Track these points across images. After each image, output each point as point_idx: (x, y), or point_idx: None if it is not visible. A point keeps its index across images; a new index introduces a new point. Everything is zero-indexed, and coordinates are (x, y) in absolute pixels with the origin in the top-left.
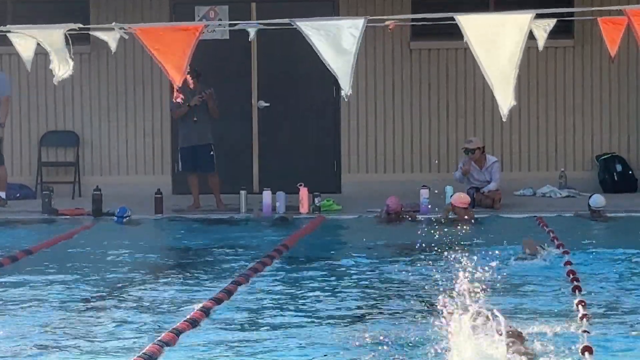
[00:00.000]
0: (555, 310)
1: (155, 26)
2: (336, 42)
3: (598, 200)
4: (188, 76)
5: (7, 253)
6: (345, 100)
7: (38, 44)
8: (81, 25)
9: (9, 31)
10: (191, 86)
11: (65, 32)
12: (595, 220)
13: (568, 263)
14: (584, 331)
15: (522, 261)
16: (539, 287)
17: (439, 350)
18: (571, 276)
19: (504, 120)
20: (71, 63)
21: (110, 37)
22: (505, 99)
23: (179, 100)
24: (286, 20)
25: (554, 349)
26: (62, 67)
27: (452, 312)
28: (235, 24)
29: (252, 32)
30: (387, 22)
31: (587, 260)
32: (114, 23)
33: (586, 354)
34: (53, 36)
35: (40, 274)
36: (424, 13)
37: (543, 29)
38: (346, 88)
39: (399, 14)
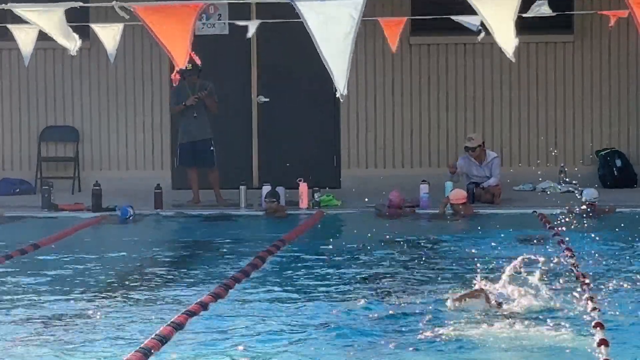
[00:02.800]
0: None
1: (155, 5)
2: (334, 27)
3: (590, 192)
4: (193, 53)
5: (10, 248)
6: (341, 100)
7: (38, 37)
8: (82, 4)
9: (10, 10)
10: (198, 61)
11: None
12: (591, 216)
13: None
14: (598, 324)
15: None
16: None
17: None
18: (576, 270)
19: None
20: (76, 36)
21: (110, 42)
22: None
23: (176, 77)
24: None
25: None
26: (70, 42)
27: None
28: (237, 3)
29: (252, 28)
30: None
31: (590, 253)
32: (114, 2)
33: (602, 347)
34: (53, 20)
35: (41, 268)
36: (423, 8)
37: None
38: (341, 88)
39: (399, 9)
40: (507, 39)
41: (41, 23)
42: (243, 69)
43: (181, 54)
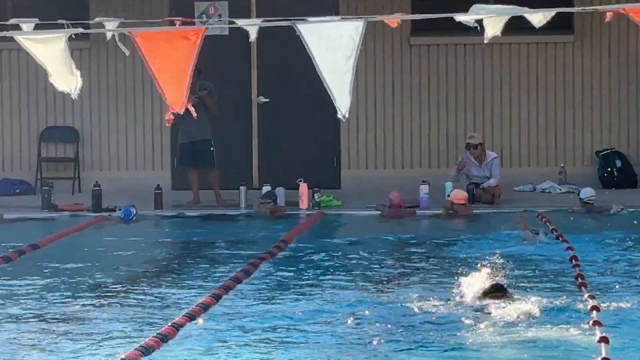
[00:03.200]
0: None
1: (155, 30)
2: (335, 51)
3: (587, 191)
4: (189, 104)
5: (13, 249)
6: (343, 120)
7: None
8: (82, 30)
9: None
10: (194, 114)
11: (67, 37)
12: (591, 214)
13: (574, 259)
14: (596, 322)
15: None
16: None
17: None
18: (577, 271)
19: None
20: (78, 73)
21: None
22: (342, 101)
23: (170, 118)
24: (287, 23)
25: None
26: (70, 81)
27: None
28: (236, 21)
29: (252, 34)
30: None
31: (590, 254)
32: (113, 24)
33: (602, 344)
34: (54, 46)
35: (40, 269)
36: (424, 9)
37: (542, 14)
38: (343, 110)
39: (399, 10)
40: (492, 29)
41: (42, 57)
42: (243, 69)
43: (178, 99)
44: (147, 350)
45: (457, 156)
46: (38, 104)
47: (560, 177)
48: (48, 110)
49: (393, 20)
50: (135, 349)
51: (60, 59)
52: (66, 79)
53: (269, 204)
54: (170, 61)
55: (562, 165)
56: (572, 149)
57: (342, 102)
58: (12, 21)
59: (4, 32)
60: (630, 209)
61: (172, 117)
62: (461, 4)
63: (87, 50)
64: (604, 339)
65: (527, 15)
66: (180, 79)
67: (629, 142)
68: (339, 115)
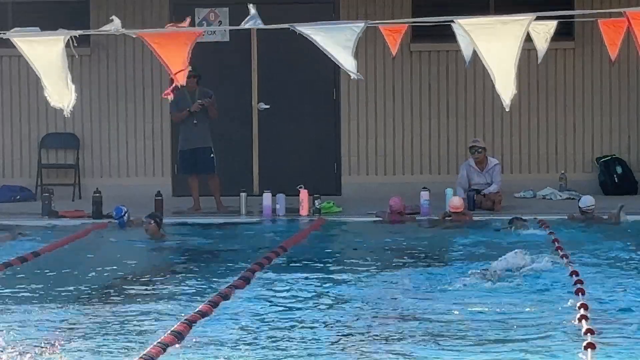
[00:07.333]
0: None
1: (156, 32)
2: (336, 37)
3: (586, 200)
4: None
5: (15, 255)
6: (357, 78)
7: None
8: (81, 32)
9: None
10: (189, 88)
11: (65, 40)
12: (592, 221)
13: (574, 273)
14: (589, 330)
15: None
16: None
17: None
18: (574, 277)
19: (506, 110)
20: (73, 88)
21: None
22: (506, 90)
23: (169, 97)
24: (285, 26)
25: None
26: (65, 96)
27: None
28: (237, 27)
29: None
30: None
31: (590, 264)
32: (113, 18)
33: (589, 350)
34: (52, 54)
35: (40, 275)
36: (424, 15)
37: (544, 37)
38: (354, 70)
39: (399, 16)
40: (506, 88)
41: (38, 65)
42: (243, 75)
43: (180, 73)
44: (150, 359)
45: (458, 163)
46: (39, 110)
47: (561, 184)
48: (48, 116)
49: (394, 48)
50: (139, 358)
51: (57, 70)
52: (61, 93)
53: (151, 225)
54: (171, 40)
55: (562, 171)
56: (573, 155)
57: (349, 64)
58: (11, 33)
59: (2, 33)
60: (631, 216)
61: (171, 95)
62: (462, 9)
63: (88, 57)
64: (583, 305)
65: (535, 42)
66: (181, 53)
67: (629, 149)
68: (352, 77)
